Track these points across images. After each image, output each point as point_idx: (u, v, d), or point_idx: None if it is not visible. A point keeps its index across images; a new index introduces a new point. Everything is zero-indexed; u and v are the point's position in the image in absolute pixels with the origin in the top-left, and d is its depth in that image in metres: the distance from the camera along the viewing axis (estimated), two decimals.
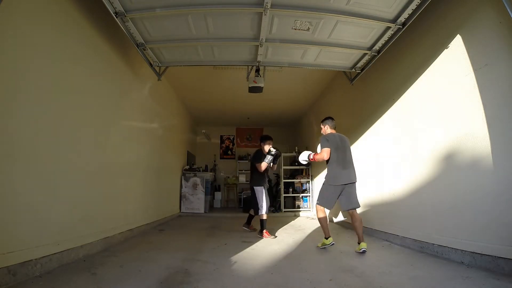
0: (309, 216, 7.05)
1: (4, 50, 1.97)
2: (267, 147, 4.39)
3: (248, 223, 4.69)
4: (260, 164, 4.30)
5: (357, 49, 3.67)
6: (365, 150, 4.57)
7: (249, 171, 4.89)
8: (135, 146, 4.31)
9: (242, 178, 10.04)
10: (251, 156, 6.37)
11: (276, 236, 4.22)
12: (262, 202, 4.28)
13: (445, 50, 2.85)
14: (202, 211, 7.27)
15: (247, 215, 4.84)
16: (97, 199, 3.14)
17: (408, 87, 3.44)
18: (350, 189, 3.33)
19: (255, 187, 4.42)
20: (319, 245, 3.42)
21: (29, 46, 2.20)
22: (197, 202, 7.31)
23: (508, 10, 2.10)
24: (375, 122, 4.23)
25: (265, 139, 4.47)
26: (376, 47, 3.55)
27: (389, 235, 3.68)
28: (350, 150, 3.51)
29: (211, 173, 8.96)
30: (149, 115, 4.98)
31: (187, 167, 7.84)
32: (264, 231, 4.15)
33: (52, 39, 2.46)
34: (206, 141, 10.54)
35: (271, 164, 4.37)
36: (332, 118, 3.69)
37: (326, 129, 3.64)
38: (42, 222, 2.29)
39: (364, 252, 3.07)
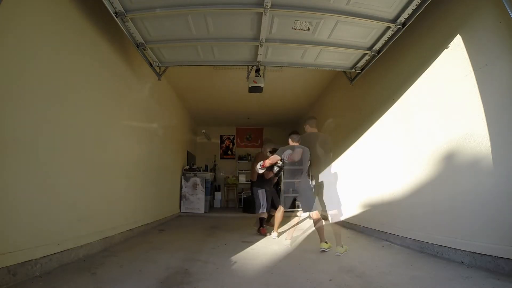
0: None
1: (5, 49, 1.97)
2: (267, 150, 4.74)
3: (268, 220, 4.88)
4: (255, 168, 4.48)
5: (357, 49, 3.67)
6: (365, 150, 4.57)
7: (250, 172, 5.20)
8: (135, 146, 4.31)
9: (242, 178, 10.03)
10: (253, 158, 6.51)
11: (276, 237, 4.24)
12: (262, 201, 4.63)
13: (445, 50, 2.84)
14: (202, 211, 7.26)
15: (247, 215, 4.97)
16: (97, 199, 3.14)
17: (408, 87, 3.44)
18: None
19: (254, 188, 4.77)
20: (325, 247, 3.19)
21: (29, 46, 2.19)
22: (197, 202, 7.30)
23: (508, 10, 2.10)
24: (375, 122, 4.23)
25: (266, 142, 4.75)
26: (376, 47, 3.55)
27: (389, 235, 3.67)
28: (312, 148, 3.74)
29: (211, 173, 8.96)
30: (149, 115, 4.98)
31: (187, 167, 7.84)
32: (261, 228, 4.44)
33: (52, 39, 2.45)
34: (206, 141, 10.53)
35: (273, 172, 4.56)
36: (312, 118, 3.95)
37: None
38: (42, 222, 2.29)
39: (322, 252, 3.14)
